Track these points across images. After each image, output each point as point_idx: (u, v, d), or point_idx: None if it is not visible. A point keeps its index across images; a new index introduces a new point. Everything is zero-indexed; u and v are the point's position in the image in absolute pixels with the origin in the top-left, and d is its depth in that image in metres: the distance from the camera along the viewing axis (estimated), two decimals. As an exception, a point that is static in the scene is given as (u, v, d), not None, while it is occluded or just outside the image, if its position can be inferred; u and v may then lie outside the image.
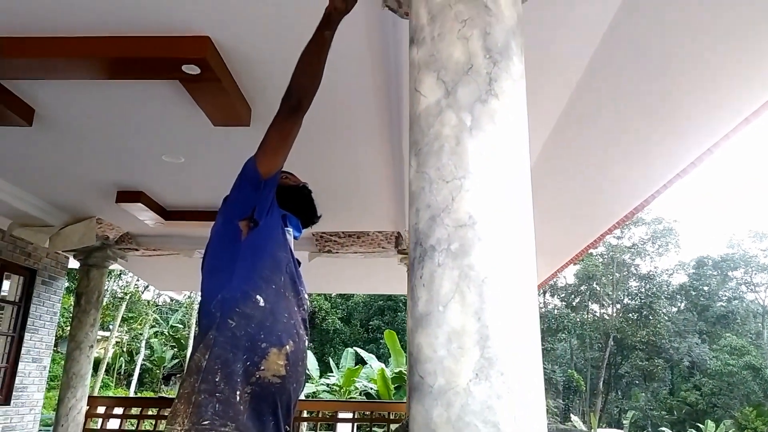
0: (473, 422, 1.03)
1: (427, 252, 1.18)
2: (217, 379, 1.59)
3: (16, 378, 6.28)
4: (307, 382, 17.63)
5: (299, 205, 2.04)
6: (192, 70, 2.60)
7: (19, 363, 6.34)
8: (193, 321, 22.34)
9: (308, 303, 1.91)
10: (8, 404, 6.17)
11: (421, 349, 1.13)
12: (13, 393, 6.24)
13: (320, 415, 6.95)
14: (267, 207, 1.80)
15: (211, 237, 1.84)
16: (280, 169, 1.84)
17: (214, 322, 1.66)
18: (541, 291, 32.47)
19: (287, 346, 1.69)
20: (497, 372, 1.06)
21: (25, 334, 6.41)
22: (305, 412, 6.90)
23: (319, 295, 26.72)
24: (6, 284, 6.52)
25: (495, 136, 1.20)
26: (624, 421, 26.40)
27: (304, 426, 6.74)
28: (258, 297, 1.70)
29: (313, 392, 16.92)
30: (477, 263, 1.12)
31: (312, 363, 18.04)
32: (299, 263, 1.93)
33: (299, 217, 2.03)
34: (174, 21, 2.42)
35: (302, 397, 14.05)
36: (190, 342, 22.07)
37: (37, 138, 3.62)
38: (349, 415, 6.73)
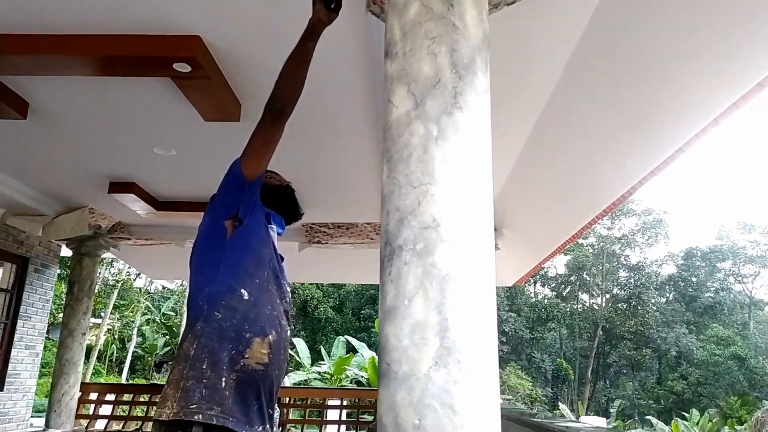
0: (432, 404, 1.16)
1: (396, 251, 1.29)
2: (204, 367, 1.70)
3: (9, 365, 6.36)
4: (299, 370, 17.78)
5: (282, 203, 2.14)
6: (183, 68, 2.68)
7: (12, 350, 6.41)
8: (185, 309, 22.39)
9: (290, 295, 2.02)
10: (2, 390, 6.26)
11: (389, 339, 1.25)
12: (7, 379, 6.32)
13: (309, 402, 7.08)
14: (251, 207, 1.90)
15: (199, 235, 1.94)
16: (263, 172, 1.95)
17: (201, 314, 1.78)
18: (532, 281, 32.75)
19: (270, 336, 1.80)
20: (455, 360, 1.18)
21: (18, 321, 6.48)
22: (294, 399, 7.04)
23: (311, 284, 26.83)
24: (-1, 272, 6.59)
25: (459, 146, 1.31)
26: (611, 410, 26.75)
27: (291, 412, 6.86)
28: (242, 291, 1.80)
29: (305, 380, 17.06)
30: (439, 262, 1.24)
31: (303, 351, 18.19)
32: (282, 258, 2.03)
33: (282, 215, 2.13)
34: (166, 20, 2.50)
35: (290, 384, 14.21)
36: (182, 329, 22.14)
37: (31, 131, 3.70)
38: (338, 402, 6.87)
